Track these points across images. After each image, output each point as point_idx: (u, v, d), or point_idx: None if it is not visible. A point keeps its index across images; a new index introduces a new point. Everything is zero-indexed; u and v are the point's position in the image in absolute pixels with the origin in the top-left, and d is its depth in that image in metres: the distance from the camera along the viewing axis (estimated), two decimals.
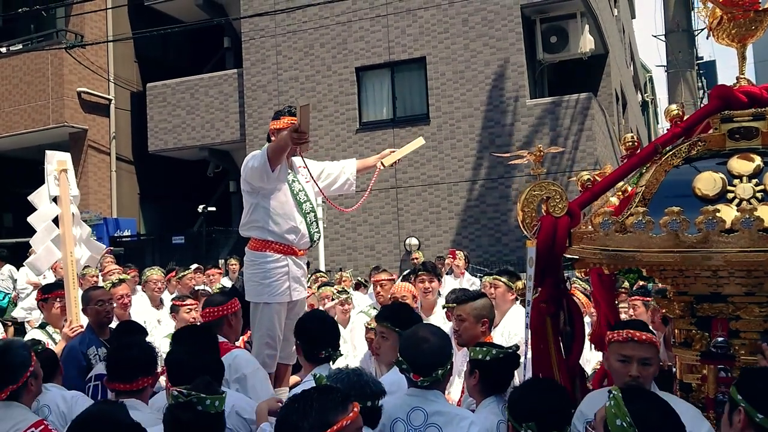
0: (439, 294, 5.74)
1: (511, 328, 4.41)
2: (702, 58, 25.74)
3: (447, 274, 8.95)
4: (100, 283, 6.66)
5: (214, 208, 16.16)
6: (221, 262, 11.87)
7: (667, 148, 3.05)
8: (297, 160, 4.44)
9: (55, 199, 5.09)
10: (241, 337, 4.34)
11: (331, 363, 3.27)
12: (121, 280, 5.78)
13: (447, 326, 4.10)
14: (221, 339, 3.68)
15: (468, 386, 3.08)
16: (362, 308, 6.21)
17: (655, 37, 19.44)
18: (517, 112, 13.36)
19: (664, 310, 3.47)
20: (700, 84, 20.53)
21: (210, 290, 7.40)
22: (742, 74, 3.13)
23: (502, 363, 2.91)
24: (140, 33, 15.92)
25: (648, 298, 5.25)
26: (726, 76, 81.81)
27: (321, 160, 4.96)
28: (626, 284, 6.14)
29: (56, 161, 5.09)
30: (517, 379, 3.06)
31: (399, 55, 14.12)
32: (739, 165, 2.79)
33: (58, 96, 15.43)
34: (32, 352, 3.01)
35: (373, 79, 14.48)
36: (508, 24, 13.45)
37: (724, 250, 2.55)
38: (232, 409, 2.90)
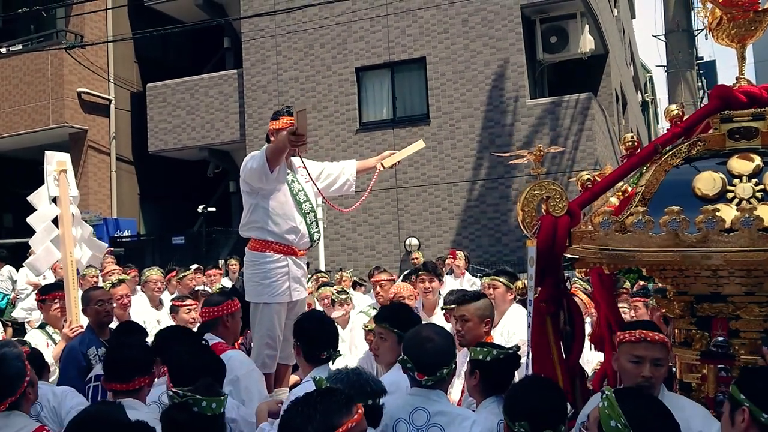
0: (440, 294, 5.74)
1: (510, 328, 4.41)
2: (702, 58, 25.79)
3: (447, 274, 8.94)
4: (100, 284, 6.66)
5: (214, 209, 16.15)
6: (221, 262, 11.86)
7: (667, 148, 3.05)
8: (296, 161, 4.44)
9: (54, 200, 5.09)
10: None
11: (330, 363, 3.26)
12: (121, 281, 5.78)
13: (448, 326, 4.09)
14: (218, 339, 3.69)
15: (468, 386, 3.08)
16: (362, 308, 6.20)
17: (655, 37, 19.50)
18: (517, 112, 13.35)
19: (664, 310, 3.47)
20: (700, 84, 20.56)
21: (210, 291, 7.39)
22: (742, 74, 3.13)
23: (503, 363, 2.91)
24: (140, 33, 15.91)
25: (648, 299, 5.24)
26: (726, 76, 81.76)
27: (321, 161, 4.97)
28: (627, 284, 6.14)
29: (56, 162, 5.09)
30: (517, 380, 3.06)
31: (399, 56, 14.11)
32: (738, 165, 2.79)
33: (58, 96, 15.42)
34: (26, 360, 3.03)
35: (373, 80, 14.47)
36: (508, 24, 13.45)
37: (723, 249, 2.55)
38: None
